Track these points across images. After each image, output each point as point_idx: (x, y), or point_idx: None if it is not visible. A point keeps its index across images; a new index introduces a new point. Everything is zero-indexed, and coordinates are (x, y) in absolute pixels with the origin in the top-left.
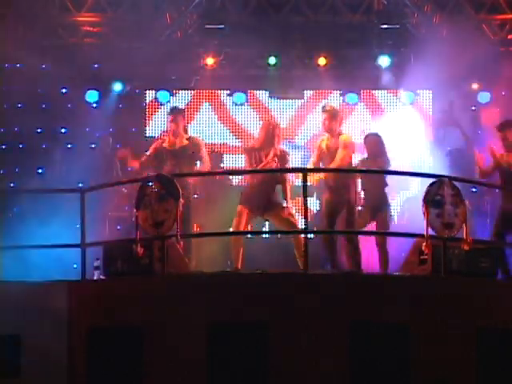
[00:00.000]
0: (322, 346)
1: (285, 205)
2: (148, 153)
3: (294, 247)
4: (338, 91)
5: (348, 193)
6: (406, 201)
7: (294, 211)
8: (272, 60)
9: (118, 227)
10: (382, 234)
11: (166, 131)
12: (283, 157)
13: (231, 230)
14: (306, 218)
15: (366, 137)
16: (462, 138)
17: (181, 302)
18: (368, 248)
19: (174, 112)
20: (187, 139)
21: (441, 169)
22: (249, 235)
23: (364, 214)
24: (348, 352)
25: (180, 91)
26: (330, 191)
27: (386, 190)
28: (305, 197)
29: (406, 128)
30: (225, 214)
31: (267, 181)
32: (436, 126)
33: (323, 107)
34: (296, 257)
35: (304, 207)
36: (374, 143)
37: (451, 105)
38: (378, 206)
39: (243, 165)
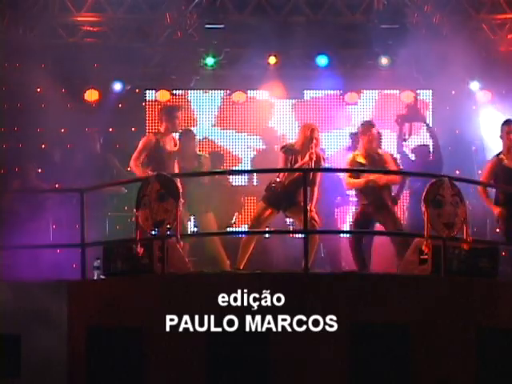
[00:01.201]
0: (321, 346)
1: (308, 207)
2: None
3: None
4: (338, 91)
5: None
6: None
7: (315, 215)
8: (272, 60)
9: (118, 227)
10: (383, 234)
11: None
12: (318, 161)
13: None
14: (305, 218)
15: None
16: (428, 134)
17: (181, 302)
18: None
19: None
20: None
21: (406, 165)
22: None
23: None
24: (348, 352)
25: (180, 91)
26: None
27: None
28: (305, 197)
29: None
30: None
31: (297, 181)
32: (401, 122)
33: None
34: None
35: (304, 208)
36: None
37: (416, 99)
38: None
39: (278, 163)
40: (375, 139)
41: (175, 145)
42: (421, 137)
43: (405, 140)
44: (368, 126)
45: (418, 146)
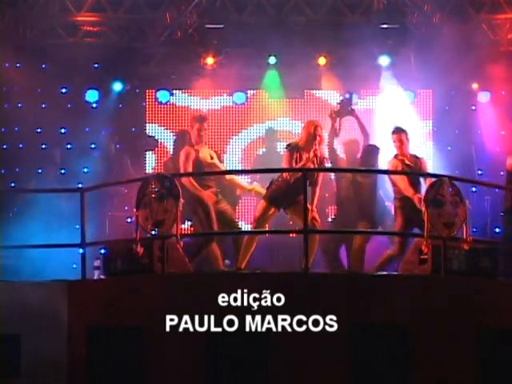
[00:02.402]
0: (321, 346)
1: (309, 207)
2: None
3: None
4: (338, 91)
5: None
6: None
7: (316, 215)
8: (272, 60)
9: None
10: (381, 234)
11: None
12: (321, 160)
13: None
14: (305, 217)
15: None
16: (359, 129)
17: (181, 302)
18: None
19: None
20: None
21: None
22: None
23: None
24: (348, 352)
25: (180, 91)
26: None
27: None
28: (305, 196)
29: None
30: None
31: (300, 180)
32: (334, 117)
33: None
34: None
35: (304, 207)
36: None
37: (350, 95)
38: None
39: (283, 161)
40: (407, 143)
41: (211, 157)
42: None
43: (337, 135)
44: (398, 131)
45: (347, 141)
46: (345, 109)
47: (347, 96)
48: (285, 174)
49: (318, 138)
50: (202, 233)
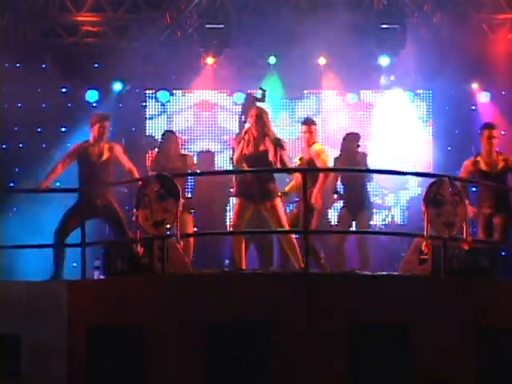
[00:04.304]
0: (321, 345)
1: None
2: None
3: (286, 248)
4: (338, 91)
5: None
6: (408, 200)
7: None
8: (272, 60)
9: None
10: (381, 234)
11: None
12: (264, 133)
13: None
14: (306, 217)
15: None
16: None
17: (181, 302)
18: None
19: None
20: (109, 150)
21: None
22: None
23: (344, 214)
24: (348, 352)
25: (180, 91)
26: None
27: (368, 186)
28: (305, 196)
29: (404, 127)
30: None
31: (257, 159)
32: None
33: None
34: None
35: (304, 207)
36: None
37: (263, 93)
38: (360, 204)
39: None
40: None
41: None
42: None
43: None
44: (484, 127)
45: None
46: (250, 105)
47: (250, 92)
48: (234, 158)
49: (249, 118)
50: (203, 233)
